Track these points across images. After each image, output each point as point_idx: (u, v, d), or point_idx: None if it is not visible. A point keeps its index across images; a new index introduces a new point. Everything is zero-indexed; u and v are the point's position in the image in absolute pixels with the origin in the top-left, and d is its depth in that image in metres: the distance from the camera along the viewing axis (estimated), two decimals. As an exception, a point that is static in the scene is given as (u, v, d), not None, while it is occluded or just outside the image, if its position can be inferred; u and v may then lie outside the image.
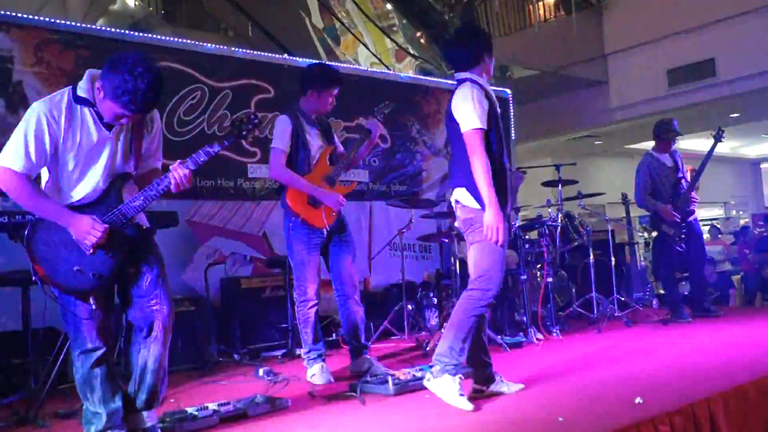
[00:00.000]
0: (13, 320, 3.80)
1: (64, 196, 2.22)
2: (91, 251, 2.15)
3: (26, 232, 2.16)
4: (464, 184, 2.73)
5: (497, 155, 2.73)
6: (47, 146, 2.12)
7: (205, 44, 5.24)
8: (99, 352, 2.23)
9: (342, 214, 3.56)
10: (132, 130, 2.27)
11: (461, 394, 2.58)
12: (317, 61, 4.99)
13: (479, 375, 2.80)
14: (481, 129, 2.66)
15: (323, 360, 3.46)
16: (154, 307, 2.30)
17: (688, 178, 4.99)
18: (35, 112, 2.13)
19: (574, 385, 2.90)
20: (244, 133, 2.33)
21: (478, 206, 2.68)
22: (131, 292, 2.30)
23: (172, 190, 2.23)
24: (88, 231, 2.12)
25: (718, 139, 5.00)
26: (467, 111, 2.67)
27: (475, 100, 2.66)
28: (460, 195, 2.78)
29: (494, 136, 2.72)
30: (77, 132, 2.16)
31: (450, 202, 3.00)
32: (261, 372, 3.58)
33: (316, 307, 3.46)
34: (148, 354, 2.30)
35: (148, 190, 2.22)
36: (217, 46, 5.36)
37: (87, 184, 2.21)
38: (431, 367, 2.70)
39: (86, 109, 2.18)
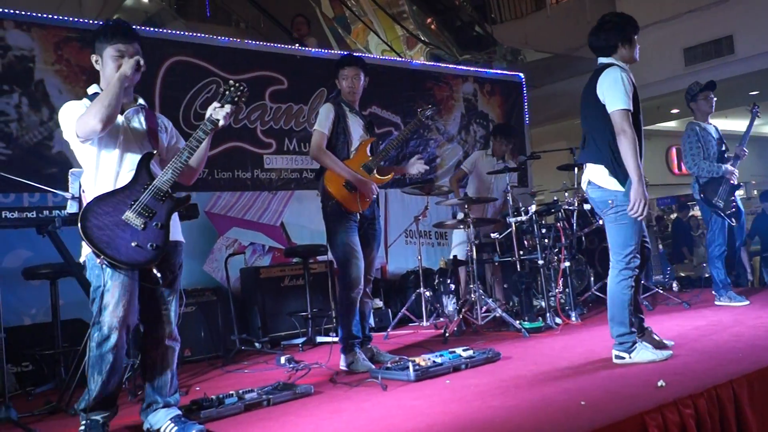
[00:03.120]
0: (43, 312, 3.91)
1: (104, 182, 2.40)
2: (142, 227, 2.31)
3: (79, 225, 2.27)
4: (603, 162, 2.94)
5: (638, 138, 2.91)
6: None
7: (218, 37, 5.27)
8: (114, 338, 2.32)
9: (375, 204, 3.61)
10: (144, 118, 2.53)
11: (653, 351, 2.93)
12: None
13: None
14: (627, 110, 2.86)
15: (359, 348, 3.39)
16: (163, 312, 2.46)
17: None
18: None
19: (595, 368, 2.91)
20: (235, 98, 2.41)
21: (618, 188, 2.90)
22: (149, 292, 2.43)
23: (222, 124, 2.39)
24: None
25: (754, 114, 4.73)
26: (617, 92, 2.87)
27: (624, 84, 2.88)
28: (597, 175, 2.97)
29: (635, 120, 2.91)
30: None
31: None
32: (282, 360, 3.63)
33: (361, 293, 3.39)
34: (156, 353, 2.46)
35: (173, 163, 2.39)
36: (231, 39, 5.39)
37: (114, 164, 2.40)
38: (623, 346, 2.93)
39: None
